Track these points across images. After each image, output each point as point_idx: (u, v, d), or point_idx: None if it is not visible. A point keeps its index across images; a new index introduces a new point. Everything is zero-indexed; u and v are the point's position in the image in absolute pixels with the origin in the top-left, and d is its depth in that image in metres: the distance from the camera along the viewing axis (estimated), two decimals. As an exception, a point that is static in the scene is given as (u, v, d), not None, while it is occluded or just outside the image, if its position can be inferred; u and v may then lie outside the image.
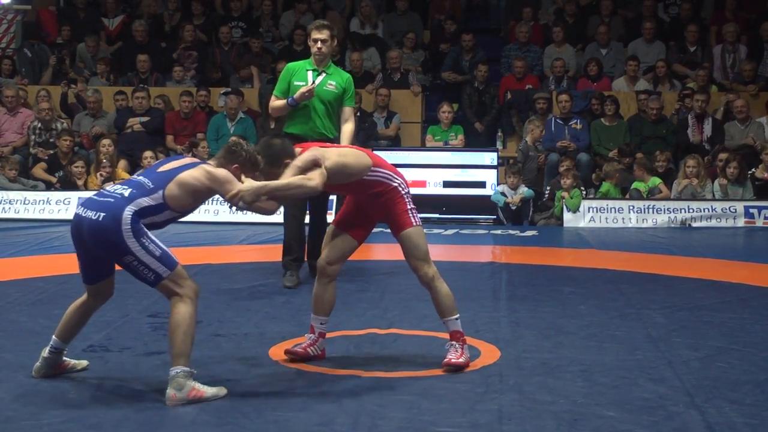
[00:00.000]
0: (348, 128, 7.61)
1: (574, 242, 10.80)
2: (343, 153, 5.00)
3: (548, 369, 5.06)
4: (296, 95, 7.51)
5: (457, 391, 4.62)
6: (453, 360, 4.99)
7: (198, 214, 11.87)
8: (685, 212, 11.97)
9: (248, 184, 4.61)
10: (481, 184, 12.48)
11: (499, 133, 13.76)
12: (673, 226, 11.90)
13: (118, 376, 4.88)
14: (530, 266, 8.84)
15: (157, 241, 4.50)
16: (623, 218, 12.01)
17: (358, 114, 13.37)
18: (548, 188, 12.48)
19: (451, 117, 13.50)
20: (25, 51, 15.27)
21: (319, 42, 7.57)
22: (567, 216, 12.02)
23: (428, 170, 12.45)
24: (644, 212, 12.01)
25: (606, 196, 12.18)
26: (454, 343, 5.05)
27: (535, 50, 14.85)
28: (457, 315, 5.08)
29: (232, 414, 4.24)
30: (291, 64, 7.85)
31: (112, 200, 4.48)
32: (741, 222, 11.91)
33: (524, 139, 13.02)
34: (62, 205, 12.00)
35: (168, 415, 4.23)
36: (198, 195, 4.61)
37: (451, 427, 4.07)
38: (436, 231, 11.48)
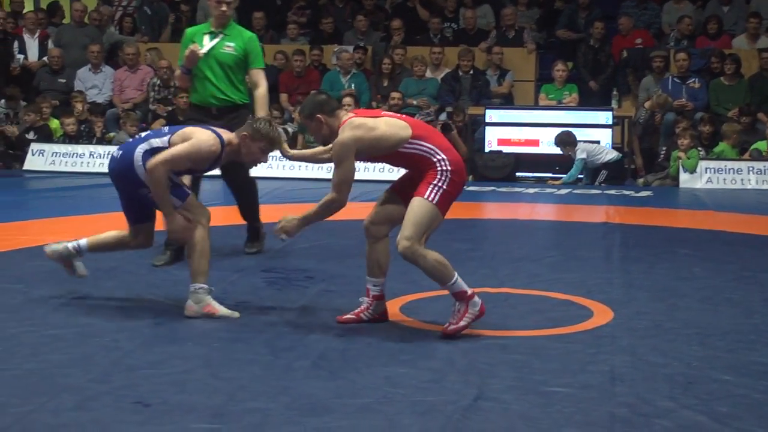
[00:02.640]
0: (260, 93, 6.89)
1: (690, 203, 10.60)
2: (378, 125, 4.79)
3: (661, 331, 5.00)
4: (184, 60, 6.86)
5: (568, 352, 4.60)
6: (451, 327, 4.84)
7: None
8: (808, 174, 11.62)
9: (291, 218, 4.91)
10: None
11: (614, 92, 13.53)
12: (795, 187, 11.57)
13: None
14: (644, 227, 8.71)
15: (172, 176, 5.06)
16: (742, 179, 11.73)
17: (466, 72, 13.34)
18: (664, 148, 12.25)
19: (565, 75, 13.33)
20: (144, 9, 15.58)
21: (224, 4, 6.89)
22: (683, 177, 11.79)
23: (541, 129, 12.29)
24: (765, 173, 11.70)
25: (720, 157, 11.91)
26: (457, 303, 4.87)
27: (653, 7, 14.54)
28: (455, 277, 4.84)
29: (344, 369, 4.30)
30: (189, 30, 7.22)
31: (132, 141, 5.29)
32: None
33: (643, 106, 12.74)
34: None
35: (274, 364, 4.31)
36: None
37: (561, 387, 4.06)
38: (548, 191, 11.40)
